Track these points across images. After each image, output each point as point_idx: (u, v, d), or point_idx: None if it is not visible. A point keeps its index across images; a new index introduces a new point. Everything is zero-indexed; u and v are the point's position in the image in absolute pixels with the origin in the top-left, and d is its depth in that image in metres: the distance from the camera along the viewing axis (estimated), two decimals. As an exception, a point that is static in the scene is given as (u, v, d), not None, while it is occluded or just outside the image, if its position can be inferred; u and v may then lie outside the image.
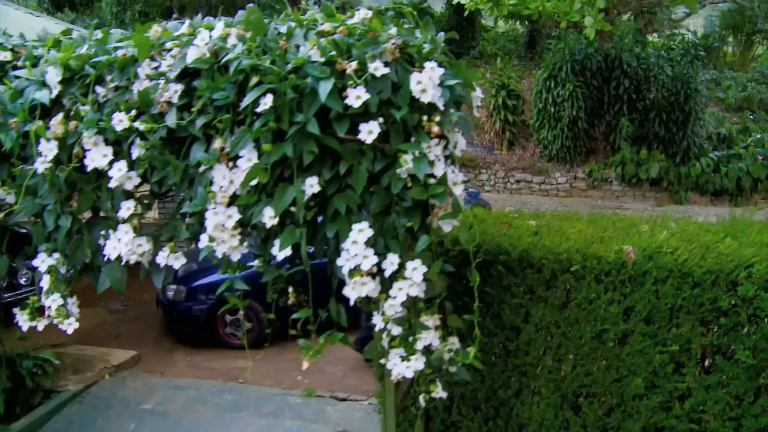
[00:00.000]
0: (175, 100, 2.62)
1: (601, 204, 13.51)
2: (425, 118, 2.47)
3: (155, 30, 2.77)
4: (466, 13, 14.04)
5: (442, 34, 2.73)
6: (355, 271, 2.52)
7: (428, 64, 2.42)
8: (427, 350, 2.68)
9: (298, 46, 2.53)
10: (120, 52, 2.74)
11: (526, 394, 3.58)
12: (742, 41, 20.81)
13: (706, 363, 3.38)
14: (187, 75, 2.66)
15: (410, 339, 2.66)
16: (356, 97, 2.37)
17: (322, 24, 2.59)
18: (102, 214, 2.93)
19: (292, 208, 2.49)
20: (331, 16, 2.69)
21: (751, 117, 15.69)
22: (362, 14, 2.59)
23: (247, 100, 2.42)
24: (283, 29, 2.63)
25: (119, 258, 2.75)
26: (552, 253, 3.36)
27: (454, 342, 2.82)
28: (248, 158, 2.51)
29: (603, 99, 13.89)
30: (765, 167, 13.65)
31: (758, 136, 14.23)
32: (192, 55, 2.59)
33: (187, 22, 2.82)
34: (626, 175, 13.75)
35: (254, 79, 2.44)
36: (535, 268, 3.40)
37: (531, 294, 3.45)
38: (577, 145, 13.98)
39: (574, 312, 3.40)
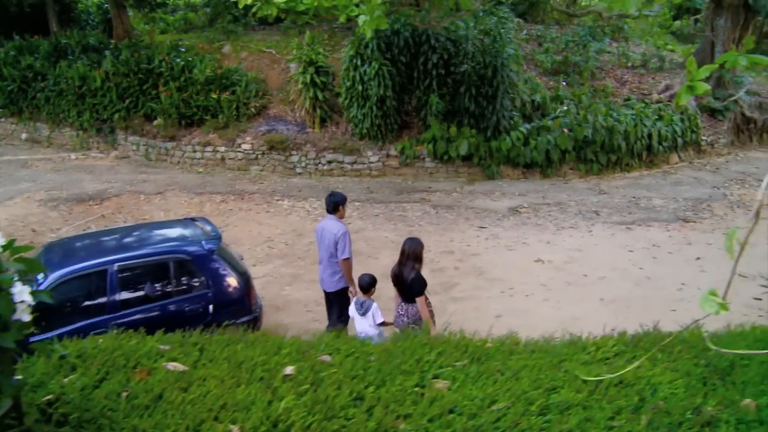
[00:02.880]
0: None
1: (411, 185, 13.35)
2: None
3: None
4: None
5: None
6: None
7: None
8: None
9: None
10: None
11: None
12: (568, -6, 20.99)
13: None
14: None
15: None
16: None
17: None
18: None
19: None
20: None
21: (564, 83, 15.88)
22: None
23: None
24: None
25: None
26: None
27: None
28: None
29: (412, 75, 13.49)
30: (572, 139, 13.92)
31: (565, 107, 14.41)
32: None
33: None
34: (438, 152, 13.60)
35: None
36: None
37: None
38: (387, 123, 13.60)
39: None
